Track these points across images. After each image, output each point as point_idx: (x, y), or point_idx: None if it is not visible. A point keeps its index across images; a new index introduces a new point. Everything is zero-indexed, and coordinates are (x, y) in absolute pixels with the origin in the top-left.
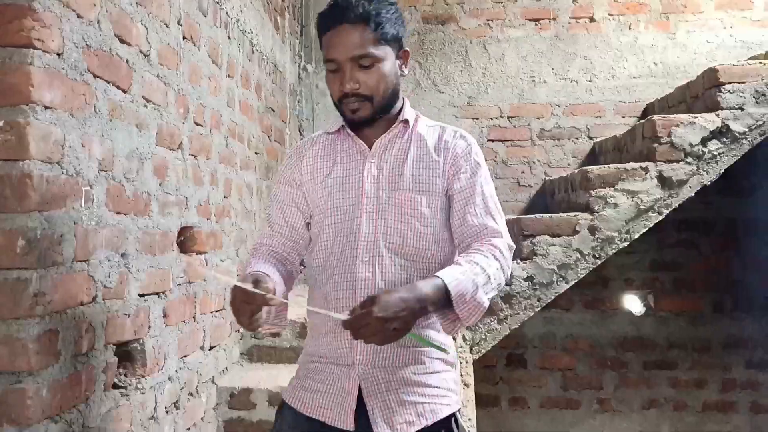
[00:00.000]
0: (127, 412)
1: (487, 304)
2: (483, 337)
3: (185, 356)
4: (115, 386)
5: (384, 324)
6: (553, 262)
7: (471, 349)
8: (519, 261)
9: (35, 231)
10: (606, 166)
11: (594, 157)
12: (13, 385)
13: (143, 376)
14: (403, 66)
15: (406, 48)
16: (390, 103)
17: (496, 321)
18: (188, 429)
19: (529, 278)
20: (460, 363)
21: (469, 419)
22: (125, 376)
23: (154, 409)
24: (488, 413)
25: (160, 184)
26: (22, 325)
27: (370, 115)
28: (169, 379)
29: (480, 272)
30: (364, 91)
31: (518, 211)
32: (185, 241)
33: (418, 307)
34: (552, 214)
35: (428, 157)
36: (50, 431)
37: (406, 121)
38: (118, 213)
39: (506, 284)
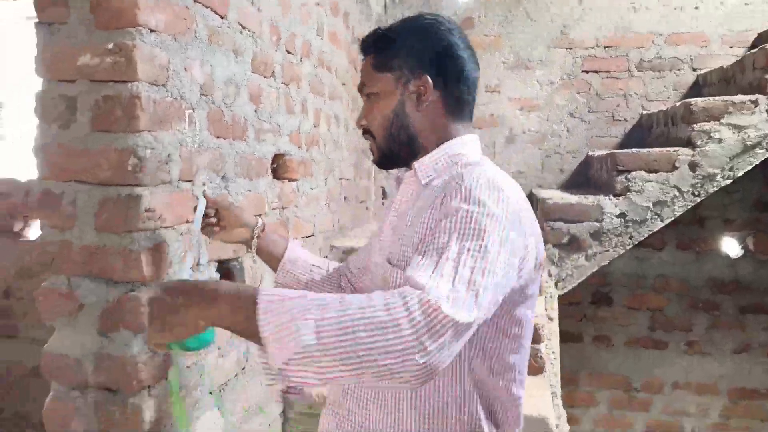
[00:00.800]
0: None
1: (309, 340)
2: (569, 272)
3: None
4: None
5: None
6: (648, 198)
7: (556, 284)
8: (611, 197)
9: (145, 150)
10: (711, 98)
11: (697, 89)
12: (128, 293)
13: None
14: (422, 97)
15: (425, 74)
16: (402, 143)
17: (583, 257)
18: None
19: (622, 215)
20: (546, 297)
21: (552, 352)
22: None
23: None
24: (570, 349)
25: (255, 111)
26: (134, 238)
27: (378, 159)
28: None
29: (325, 304)
30: (370, 128)
31: (612, 146)
32: (278, 168)
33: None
34: (649, 149)
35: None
36: None
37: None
38: (218, 137)
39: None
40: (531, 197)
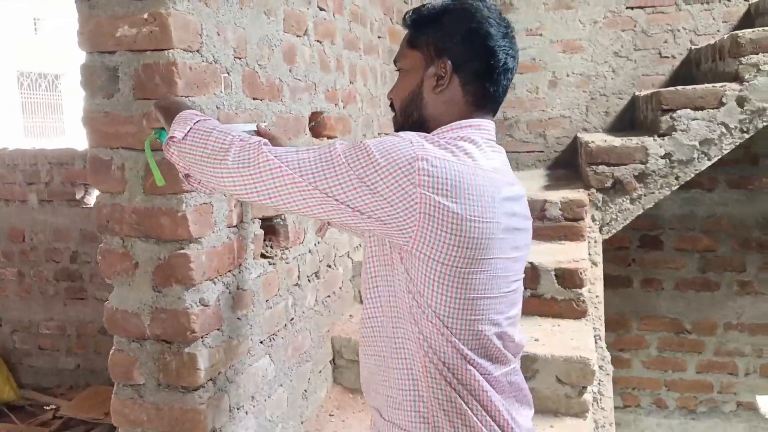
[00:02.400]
0: (274, 278)
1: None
2: (614, 216)
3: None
4: (263, 256)
5: None
6: (694, 137)
7: (600, 229)
8: (656, 137)
9: None
10: (761, 29)
11: (749, 20)
12: (177, 251)
13: (287, 248)
14: (440, 81)
15: (448, 59)
16: (414, 123)
17: (628, 200)
18: (328, 296)
19: (667, 155)
20: (590, 242)
21: (597, 296)
22: (271, 247)
23: (298, 277)
24: (619, 294)
25: (289, 70)
26: (181, 199)
27: (396, 131)
28: (309, 251)
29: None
30: (393, 102)
31: (659, 84)
32: (316, 125)
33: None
34: (695, 86)
35: None
36: (211, 290)
37: None
38: (254, 98)
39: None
40: (575, 142)
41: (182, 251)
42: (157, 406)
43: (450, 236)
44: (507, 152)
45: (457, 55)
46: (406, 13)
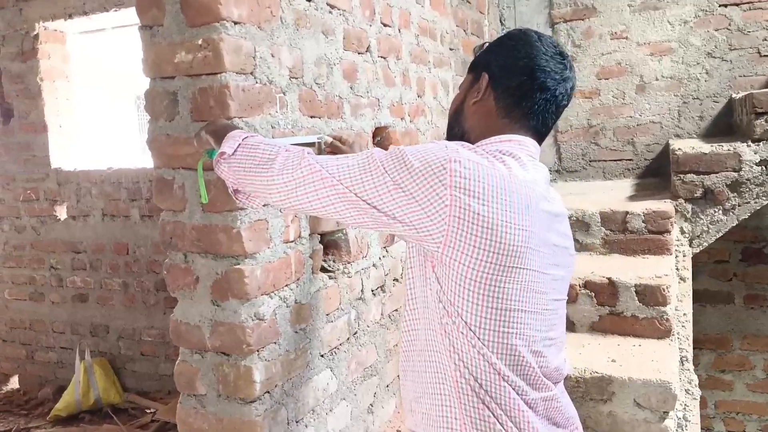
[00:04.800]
0: (335, 292)
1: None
2: (705, 228)
3: (388, 247)
4: (323, 270)
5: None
6: None
7: (690, 242)
8: (750, 143)
9: None
10: None
11: None
12: (233, 266)
13: (349, 262)
14: (477, 92)
15: (487, 74)
16: (453, 127)
17: (720, 211)
18: (395, 310)
19: (763, 162)
20: (677, 256)
21: (684, 314)
22: (333, 261)
23: (362, 291)
24: (719, 310)
25: (351, 87)
26: (236, 216)
27: (447, 131)
28: (374, 265)
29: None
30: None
31: (759, 85)
32: (381, 140)
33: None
34: None
35: None
36: (267, 304)
37: None
38: (312, 116)
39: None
40: (667, 149)
41: (237, 266)
42: (217, 416)
43: (480, 240)
44: (593, 161)
45: (496, 71)
46: (477, 46)
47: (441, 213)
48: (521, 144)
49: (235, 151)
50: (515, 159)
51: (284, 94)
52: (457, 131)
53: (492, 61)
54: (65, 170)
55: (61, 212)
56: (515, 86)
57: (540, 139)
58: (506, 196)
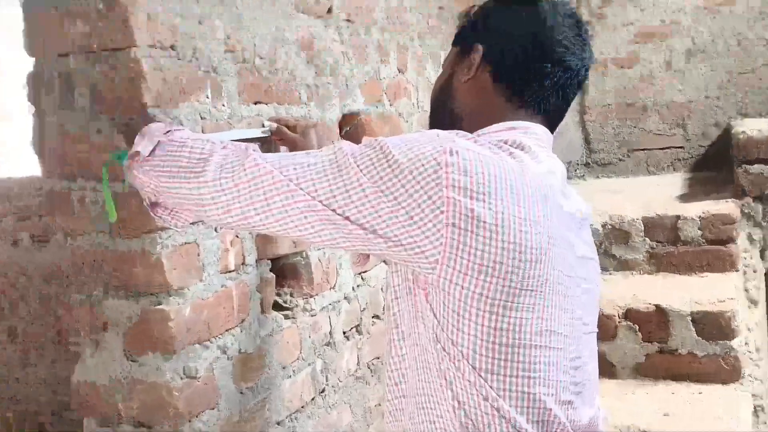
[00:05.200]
0: (294, 335)
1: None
2: None
3: (364, 271)
4: (277, 307)
5: None
6: None
7: (762, 253)
8: None
9: None
10: None
11: None
12: (153, 306)
13: (311, 295)
14: (468, 68)
15: (480, 44)
16: (438, 112)
17: None
18: (377, 357)
19: None
20: (746, 272)
21: (757, 349)
22: (290, 295)
23: (329, 333)
24: None
25: (308, 63)
26: (155, 239)
27: (429, 116)
28: (345, 298)
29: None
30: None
31: None
32: (352, 131)
33: None
34: None
35: None
36: (200, 356)
37: None
38: (257, 103)
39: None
40: (727, 133)
41: (159, 306)
42: None
43: (488, 252)
44: (633, 150)
45: (494, 42)
46: (462, 11)
47: (435, 222)
48: (528, 132)
49: (153, 150)
50: (525, 151)
51: (218, 74)
52: (442, 117)
53: (487, 28)
54: None
55: None
56: (520, 60)
57: (553, 124)
58: (518, 191)
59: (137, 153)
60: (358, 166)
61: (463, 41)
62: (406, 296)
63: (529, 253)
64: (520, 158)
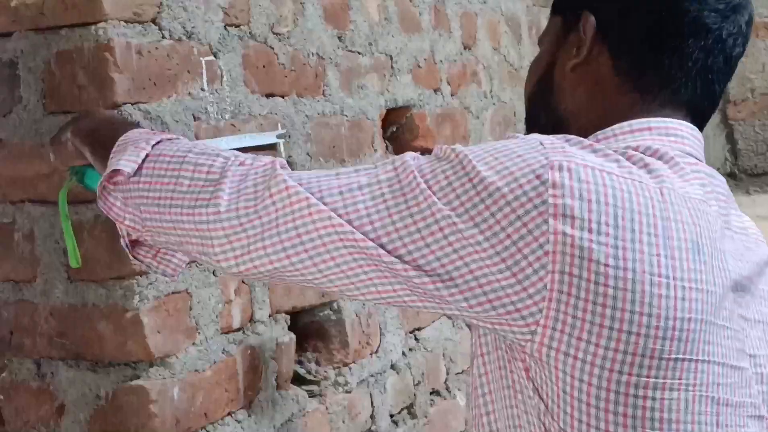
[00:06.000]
0: (323, 421)
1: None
2: None
3: (417, 329)
4: (299, 380)
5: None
6: None
7: None
8: None
9: None
10: None
11: None
12: (127, 382)
13: (345, 364)
14: (578, 48)
15: (592, 12)
16: (537, 111)
17: None
18: None
19: None
20: None
21: None
22: (316, 363)
23: (371, 416)
24: None
25: (339, 38)
26: (132, 287)
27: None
28: (393, 367)
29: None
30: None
31: None
32: (400, 132)
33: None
34: None
35: None
36: None
37: None
38: (269, 95)
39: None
40: None
41: (136, 383)
42: None
43: (613, 313)
44: None
45: (609, 9)
46: None
47: (537, 267)
48: (670, 133)
49: (140, 167)
50: (666, 162)
51: (215, 56)
52: (544, 118)
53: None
54: None
55: None
56: (647, 31)
57: (702, 121)
58: (658, 230)
59: (116, 172)
60: (429, 187)
61: (566, 7)
62: (499, 369)
63: (673, 324)
64: (658, 173)
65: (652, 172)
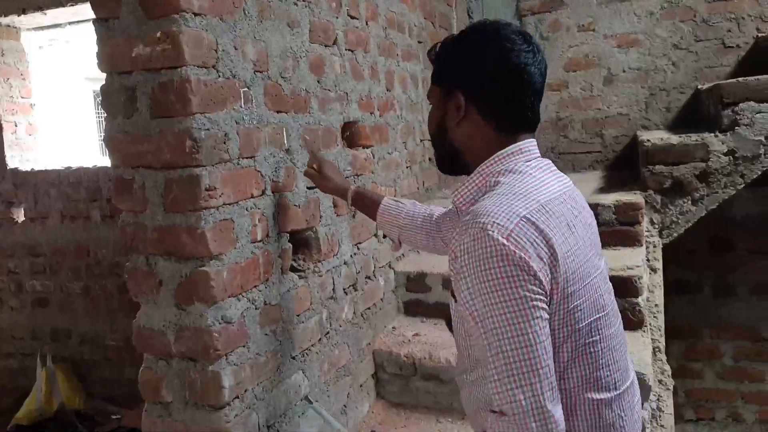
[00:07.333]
0: (306, 292)
1: None
2: (674, 219)
3: (359, 243)
4: (293, 269)
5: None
6: (759, 131)
7: (660, 232)
8: (717, 133)
9: (200, 132)
10: None
11: None
12: (198, 268)
13: (319, 261)
14: (456, 111)
15: (461, 90)
16: (441, 150)
17: (689, 202)
18: (368, 308)
19: (730, 152)
20: (648, 247)
21: (656, 305)
22: (303, 260)
23: (333, 290)
24: (689, 301)
25: (318, 81)
26: (200, 216)
27: (437, 166)
28: (345, 263)
29: None
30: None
31: (724, 76)
32: (351, 135)
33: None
34: (758, 77)
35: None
36: (234, 307)
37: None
38: (278, 111)
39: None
40: (635, 141)
41: (202, 268)
42: (185, 424)
43: (556, 277)
44: (562, 153)
45: (472, 84)
46: (429, 51)
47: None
48: (522, 151)
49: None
50: (517, 174)
51: (249, 88)
52: (445, 154)
53: (462, 71)
54: (22, 171)
55: (19, 214)
56: (500, 94)
57: (534, 129)
58: (552, 222)
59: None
60: (504, 300)
61: (441, 83)
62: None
63: (576, 273)
64: (521, 187)
65: (514, 190)
